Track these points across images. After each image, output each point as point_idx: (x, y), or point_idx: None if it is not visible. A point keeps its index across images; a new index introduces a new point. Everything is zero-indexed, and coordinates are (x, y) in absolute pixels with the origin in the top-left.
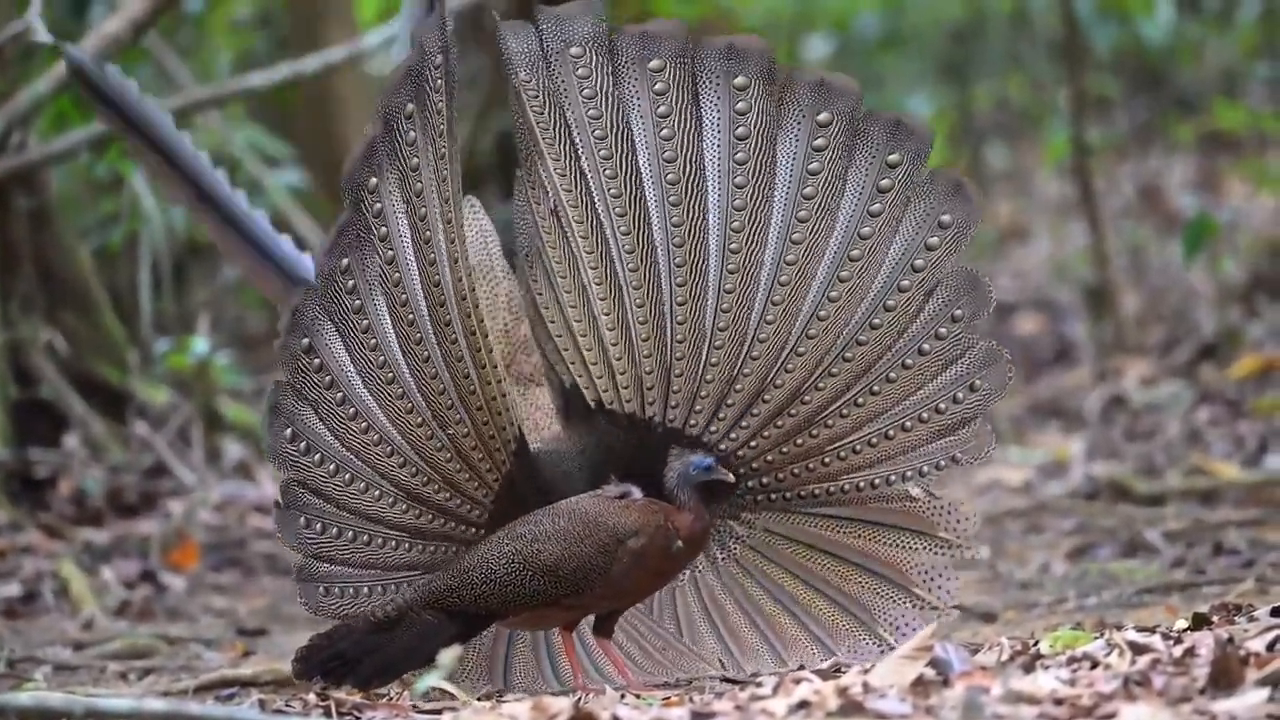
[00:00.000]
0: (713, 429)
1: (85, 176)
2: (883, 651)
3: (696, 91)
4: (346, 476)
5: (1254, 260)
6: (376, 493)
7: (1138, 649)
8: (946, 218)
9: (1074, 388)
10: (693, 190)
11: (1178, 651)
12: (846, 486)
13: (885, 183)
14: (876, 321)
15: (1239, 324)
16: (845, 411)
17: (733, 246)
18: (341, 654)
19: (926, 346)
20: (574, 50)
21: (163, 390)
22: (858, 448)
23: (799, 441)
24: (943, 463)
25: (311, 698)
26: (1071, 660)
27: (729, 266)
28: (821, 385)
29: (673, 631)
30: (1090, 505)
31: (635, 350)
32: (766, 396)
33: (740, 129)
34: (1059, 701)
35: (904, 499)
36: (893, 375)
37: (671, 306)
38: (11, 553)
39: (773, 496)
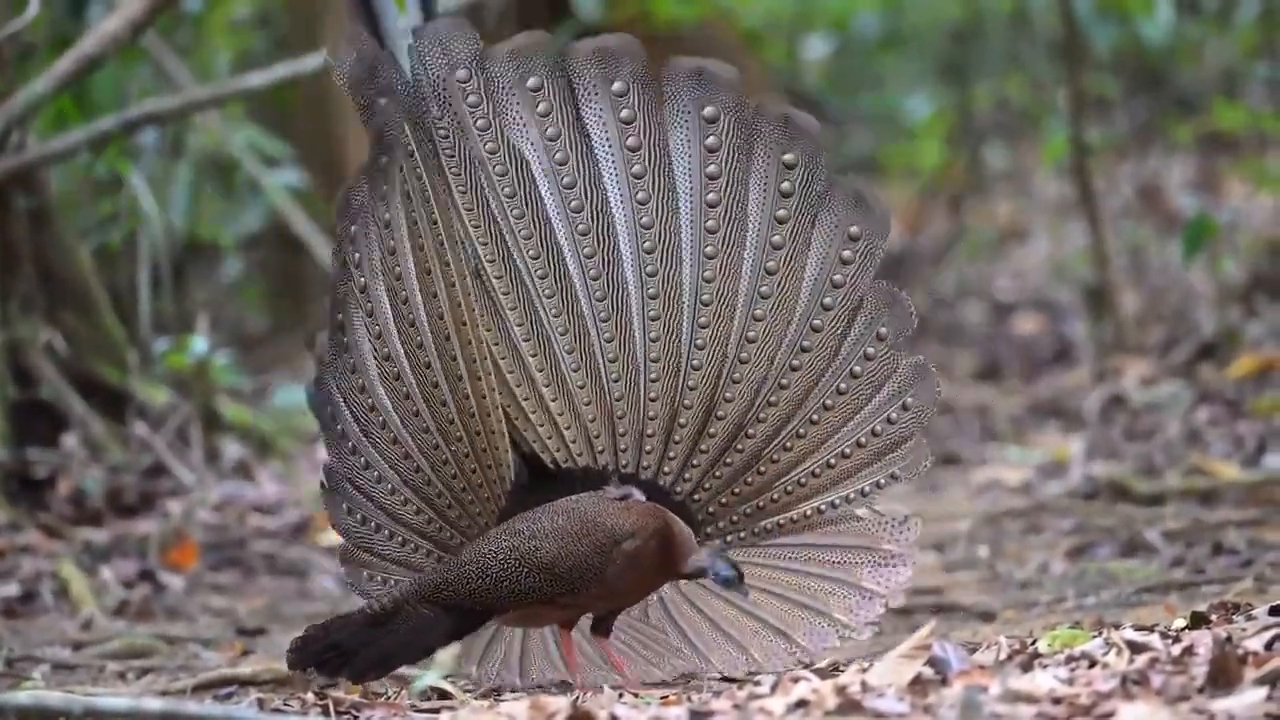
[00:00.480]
0: (666, 470)
1: (84, 176)
2: (839, 633)
3: (578, 108)
4: (374, 474)
5: (1254, 260)
6: (401, 496)
7: (1136, 648)
8: (855, 230)
9: (1073, 387)
10: (600, 215)
11: (1176, 650)
12: (796, 516)
13: (786, 186)
14: (807, 344)
15: (1238, 324)
16: (789, 444)
17: (649, 270)
18: (337, 645)
19: (857, 369)
20: (460, 74)
21: (162, 390)
22: (803, 480)
23: (749, 480)
24: (883, 481)
25: (310, 697)
26: (1070, 659)
27: (649, 292)
28: (763, 416)
29: (653, 629)
30: (1089, 505)
31: (574, 400)
32: (711, 430)
33: (631, 139)
34: (1057, 701)
35: (850, 519)
36: (829, 402)
37: (601, 345)
38: (10, 552)
39: (728, 539)
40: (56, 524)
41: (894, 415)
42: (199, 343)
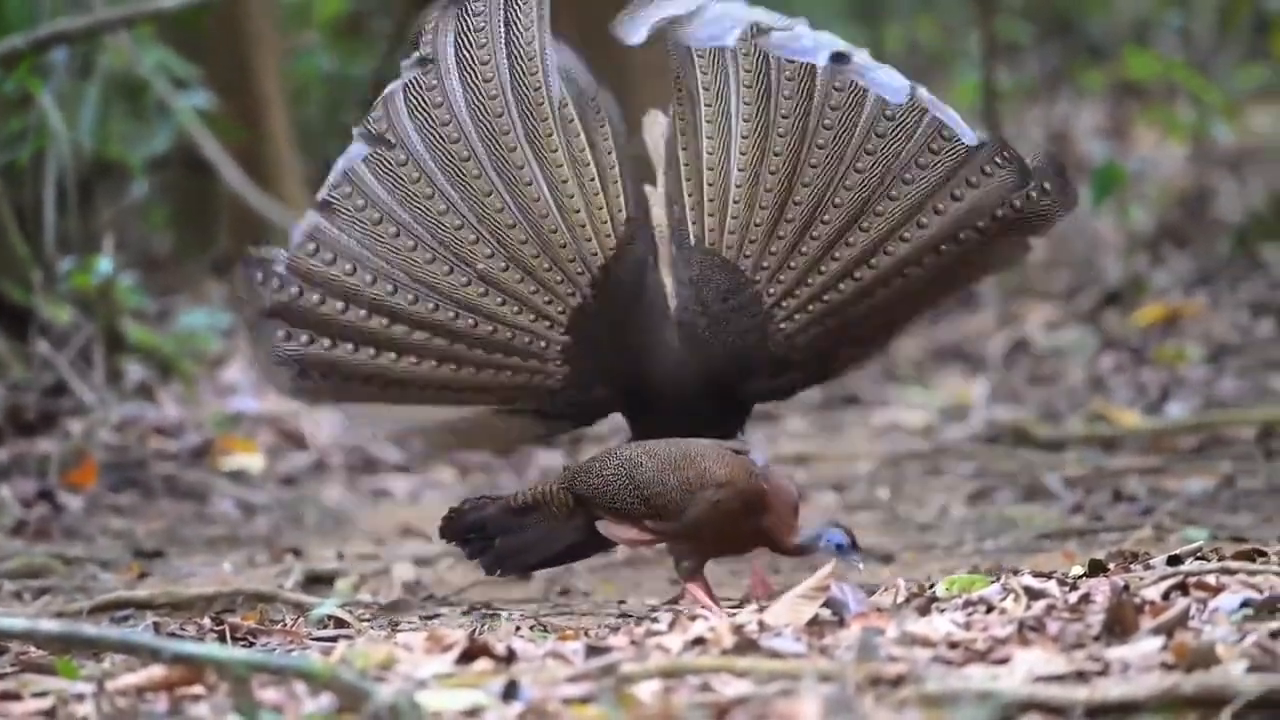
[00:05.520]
0: (747, 253)
1: None
2: None
3: None
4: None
5: (1161, 209)
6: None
7: (1033, 594)
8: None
9: (977, 331)
10: None
11: (1073, 598)
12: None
13: None
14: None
15: (1144, 272)
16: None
17: None
18: (482, 523)
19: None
20: None
21: (65, 309)
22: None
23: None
24: None
25: (206, 622)
26: (967, 604)
27: None
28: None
29: None
30: (990, 449)
31: (730, 197)
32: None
33: None
34: (954, 645)
35: None
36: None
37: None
38: None
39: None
40: None
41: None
42: (104, 263)
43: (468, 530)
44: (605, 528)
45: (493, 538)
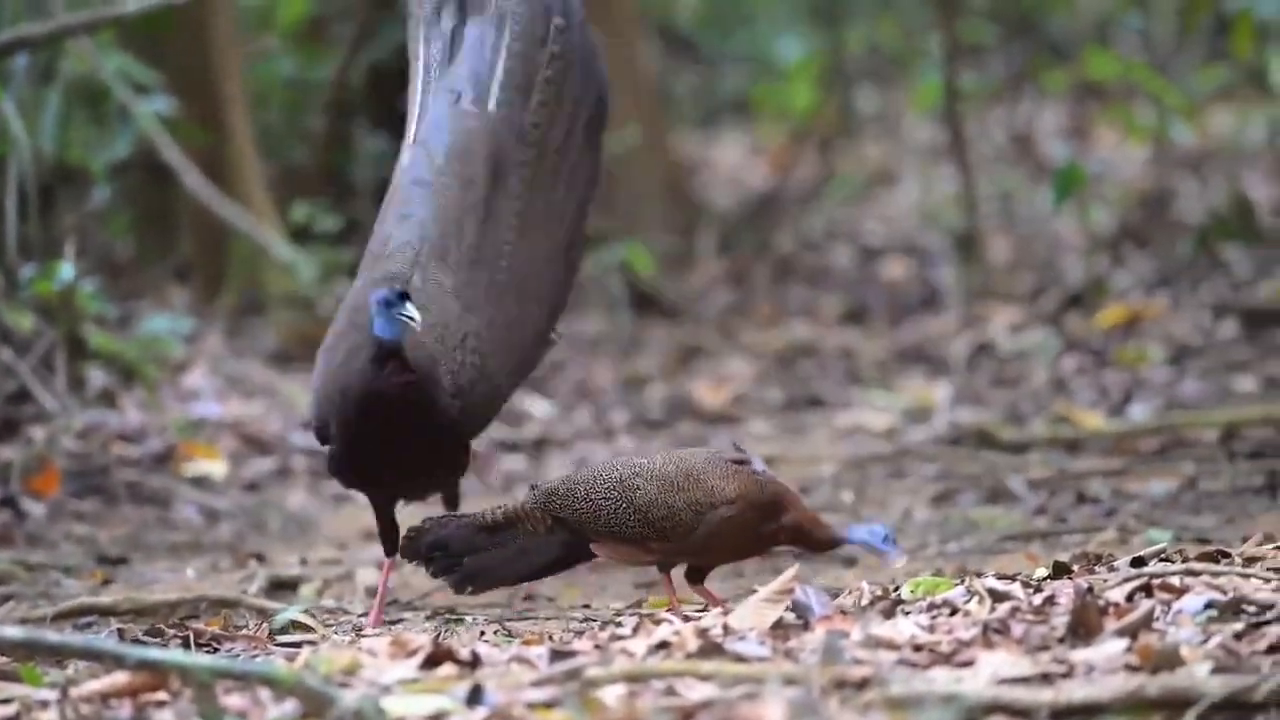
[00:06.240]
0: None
1: None
2: None
3: None
4: None
5: (1122, 210)
6: None
7: (998, 596)
8: None
9: (940, 333)
10: None
11: (1037, 600)
12: None
13: None
14: None
15: (1106, 273)
16: None
17: None
18: (444, 542)
19: None
20: None
21: (27, 316)
22: None
23: None
24: None
25: (170, 631)
26: (931, 606)
27: None
28: None
29: None
30: (954, 451)
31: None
32: None
33: None
34: (918, 647)
35: None
36: None
37: None
38: None
39: None
40: None
41: None
42: (66, 269)
43: (429, 549)
44: (601, 549)
45: (458, 556)
